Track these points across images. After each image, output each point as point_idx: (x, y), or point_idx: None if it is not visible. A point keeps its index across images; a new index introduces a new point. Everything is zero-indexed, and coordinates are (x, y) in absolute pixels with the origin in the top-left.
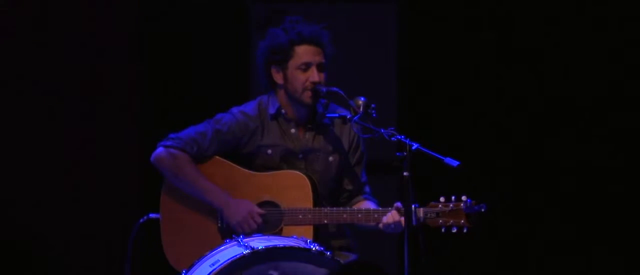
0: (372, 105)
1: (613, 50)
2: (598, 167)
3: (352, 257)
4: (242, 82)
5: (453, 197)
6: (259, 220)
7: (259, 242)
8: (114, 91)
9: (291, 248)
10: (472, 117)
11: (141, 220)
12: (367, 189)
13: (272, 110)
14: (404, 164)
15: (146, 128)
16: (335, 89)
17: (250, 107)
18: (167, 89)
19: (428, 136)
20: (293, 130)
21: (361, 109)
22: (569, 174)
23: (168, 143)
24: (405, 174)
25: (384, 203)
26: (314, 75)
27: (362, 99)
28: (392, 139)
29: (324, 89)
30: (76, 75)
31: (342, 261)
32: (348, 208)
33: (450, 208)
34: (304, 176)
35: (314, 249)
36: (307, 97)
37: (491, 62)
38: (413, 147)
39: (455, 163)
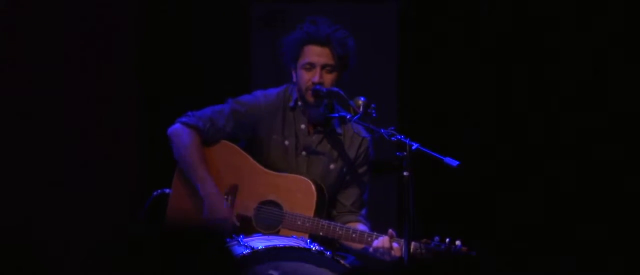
0: (372, 105)
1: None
2: (601, 166)
3: (349, 258)
4: (242, 81)
5: (447, 239)
6: (222, 216)
7: (259, 242)
8: (113, 91)
9: (291, 248)
10: (472, 117)
11: (155, 193)
12: (364, 211)
13: (291, 103)
14: (404, 164)
15: (146, 128)
16: (335, 89)
17: (274, 92)
18: (167, 88)
19: (428, 136)
20: (303, 126)
21: (361, 109)
22: (570, 173)
23: (184, 119)
24: (405, 174)
25: (384, 203)
26: (316, 75)
27: (362, 99)
28: (392, 139)
29: (324, 90)
30: (76, 74)
31: (342, 261)
32: (345, 225)
33: (441, 248)
34: (312, 184)
35: (314, 249)
36: (308, 96)
37: (492, 62)
38: (413, 147)
39: (455, 163)
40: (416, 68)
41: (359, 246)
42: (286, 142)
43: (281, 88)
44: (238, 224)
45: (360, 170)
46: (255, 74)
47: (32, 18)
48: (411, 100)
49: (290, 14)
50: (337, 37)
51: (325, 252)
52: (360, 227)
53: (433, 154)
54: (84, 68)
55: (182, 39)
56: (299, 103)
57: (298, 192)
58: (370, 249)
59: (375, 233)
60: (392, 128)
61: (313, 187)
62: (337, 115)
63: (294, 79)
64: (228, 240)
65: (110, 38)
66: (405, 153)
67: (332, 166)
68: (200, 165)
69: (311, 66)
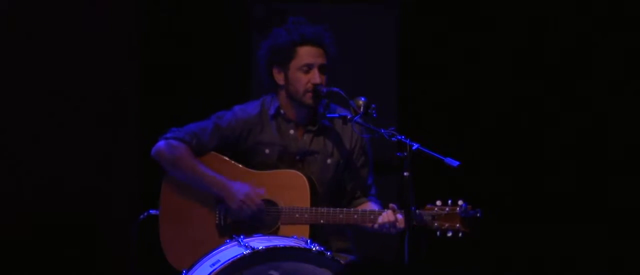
0: (373, 106)
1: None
2: (601, 166)
3: (350, 258)
4: (242, 82)
5: (449, 201)
6: (259, 201)
7: (260, 242)
8: (114, 91)
9: (291, 248)
10: (472, 117)
11: (141, 217)
12: (373, 190)
13: (271, 111)
14: (404, 164)
15: (146, 128)
16: (336, 89)
17: (252, 106)
18: (167, 88)
19: (428, 136)
20: (292, 131)
21: (361, 109)
22: (570, 172)
23: (168, 135)
24: (405, 174)
25: (385, 203)
26: (315, 76)
27: (363, 99)
28: (393, 139)
29: (325, 90)
30: (76, 75)
31: (342, 262)
32: (345, 209)
33: (445, 212)
34: (303, 176)
35: (314, 249)
36: (308, 98)
37: (491, 62)
38: (413, 147)
39: (455, 163)
40: (416, 68)
41: (366, 225)
42: (266, 150)
43: (258, 101)
44: (264, 196)
45: (359, 157)
46: (256, 74)
47: (33, 19)
48: (411, 100)
49: (291, 14)
50: (327, 36)
51: (326, 253)
52: (371, 205)
53: (433, 154)
54: (84, 69)
55: (182, 40)
56: (282, 111)
57: (291, 187)
58: (376, 226)
59: (377, 209)
60: (392, 128)
61: (305, 178)
62: (337, 115)
63: (282, 83)
64: (228, 241)
65: (111, 38)
66: (405, 153)
67: (329, 161)
68: (201, 168)
69: (309, 68)
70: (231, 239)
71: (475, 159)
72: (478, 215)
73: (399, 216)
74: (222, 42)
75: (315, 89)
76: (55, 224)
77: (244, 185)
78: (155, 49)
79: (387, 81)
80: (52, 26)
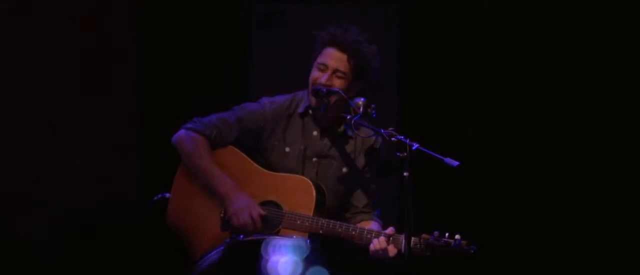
0: (372, 106)
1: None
2: (600, 170)
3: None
4: (242, 82)
5: (446, 234)
6: (256, 216)
7: None
8: (114, 91)
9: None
10: (472, 117)
11: (155, 198)
12: (378, 212)
13: (301, 109)
14: (404, 164)
15: (146, 128)
16: (335, 89)
17: (280, 100)
18: (167, 88)
19: (428, 136)
20: (315, 132)
21: (361, 109)
22: (569, 173)
23: (189, 125)
24: (405, 174)
25: (384, 203)
26: (322, 77)
27: (362, 99)
28: (392, 139)
29: (324, 90)
30: (77, 76)
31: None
32: (345, 223)
33: (441, 243)
34: (312, 184)
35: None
36: (311, 95)
37: (492, 63)
38: (413, 147)
39: (455, 163)
40: (416, 68)
41: (361, 243)
42: (287, 149)
43: (289, 96)
44: (264, 212)
45: (371, 173)
46: (255, 75)
47: (32, 18)
48: (411, 100)
49: (290, 14)
50: (358, 48)
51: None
52: (374, 225)
53: (433, 154)
54: (84, 68)
55: (181, 40)
56: (310, 111)
57: (297, 192)
58: (370, 252)
59: (374, 230)
60: (392, 128)
61: (312, 186)
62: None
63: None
64: (227, 240)
65: (111, 39)
66: (405, 153)
67: (344, 169)
68: (213, 165)
69: (325, 67)
70: (230, 238)
71: (475, 160)
72: (472, 251)
73: (391, 246)
74: (222, 42)
75: (315, 88)
76: (55, 222)
77: (245, 199)
78: (155, 49)
79: (387, 81)
80: (52, 25)
